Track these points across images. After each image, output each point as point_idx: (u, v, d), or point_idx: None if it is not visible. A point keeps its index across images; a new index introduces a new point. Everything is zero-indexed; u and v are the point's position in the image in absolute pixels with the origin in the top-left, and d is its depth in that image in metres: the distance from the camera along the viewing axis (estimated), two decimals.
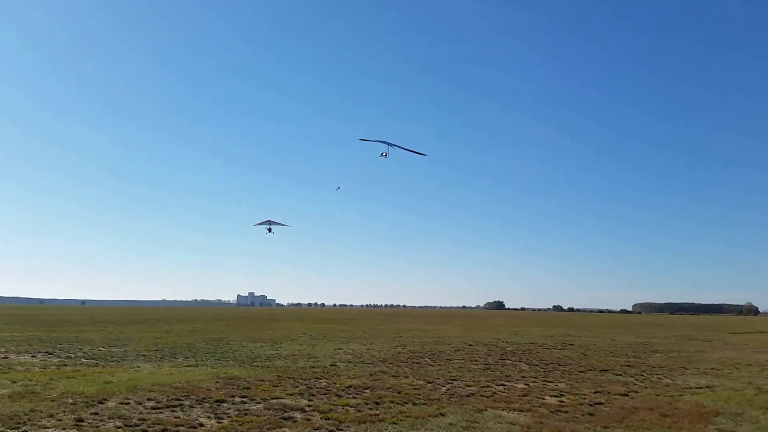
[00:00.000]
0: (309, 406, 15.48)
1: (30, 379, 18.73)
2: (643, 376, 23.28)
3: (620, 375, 23.33)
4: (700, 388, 20.30)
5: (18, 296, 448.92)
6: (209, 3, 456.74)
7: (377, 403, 15.83)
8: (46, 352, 27.89)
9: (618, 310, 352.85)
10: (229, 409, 14.98)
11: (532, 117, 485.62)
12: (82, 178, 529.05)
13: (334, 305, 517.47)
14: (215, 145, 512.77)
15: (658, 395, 18.46)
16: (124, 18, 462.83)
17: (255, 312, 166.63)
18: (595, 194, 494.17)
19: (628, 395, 18.26)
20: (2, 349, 28.81)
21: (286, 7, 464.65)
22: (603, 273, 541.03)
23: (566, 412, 15.35)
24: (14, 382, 18.11)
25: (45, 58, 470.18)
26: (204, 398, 16.20)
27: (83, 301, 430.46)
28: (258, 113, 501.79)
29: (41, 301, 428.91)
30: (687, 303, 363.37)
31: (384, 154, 42.34)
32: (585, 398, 17.47)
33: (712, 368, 26.49)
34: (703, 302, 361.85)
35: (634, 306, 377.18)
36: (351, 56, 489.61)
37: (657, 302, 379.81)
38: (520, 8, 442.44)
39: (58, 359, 25.18)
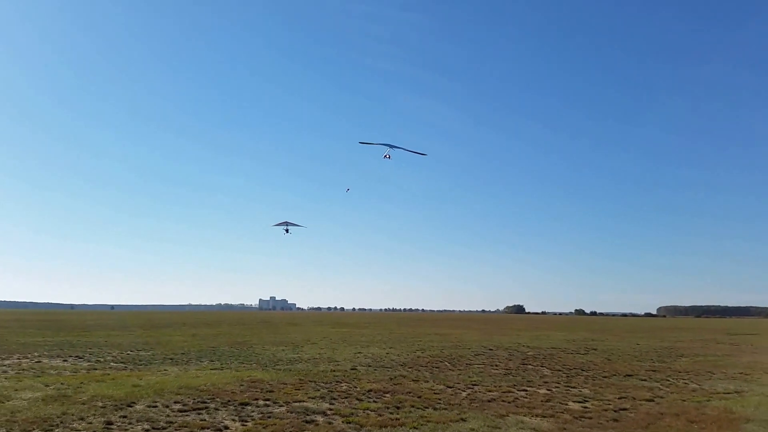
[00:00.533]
0: (330, 409, 15.66)
1: (62, 383, 19.20)
2: (668, 381, 23.02)
3: (645, 380, 23.10)
4: (729, 393, 20.00)
5: (50, 302, 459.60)
6: (229, 7, 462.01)
7: (398, 408, 15.94)
8: (77, 356, 28.52)
9: (642, 313, 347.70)
10: (253, 412, 15.23)
11: (553, 120, 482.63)
12: (111, 185, 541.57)
13: (354, 309, 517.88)
14: (240, 151, 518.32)
15: (684, 401, 18.26)
16: (146, 21, 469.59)
17: (276, 316, 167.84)
18: (619, 196, 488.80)
19: (653, 401, 18.09)
20: (35, 354, 29.51)
21: (307, 10, 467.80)
22: (626, 276, 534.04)
23: (590, 418, 15.27)
24: (47, 386, 18.59)
25: (70, 62, 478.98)
26: (229, 401, 16.48)
27: (112, 306, 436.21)
28: (280, 116, 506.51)
29: (72, 306, 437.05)
30: (713, 306, 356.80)
31: (387, 156, 43.05)
32: (609, 404, 17.34)
33: (741, 373, 26.08)
34: (729, 305, 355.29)
35: (659, 309, 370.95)
36: (371, 61, 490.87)
37: (682, 305, 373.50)
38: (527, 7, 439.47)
39: (88, 363, 25.73)
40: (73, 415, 14.27)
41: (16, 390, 17.71)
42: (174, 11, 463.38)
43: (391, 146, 43.12)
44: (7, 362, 25.38)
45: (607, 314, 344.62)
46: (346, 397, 17.51)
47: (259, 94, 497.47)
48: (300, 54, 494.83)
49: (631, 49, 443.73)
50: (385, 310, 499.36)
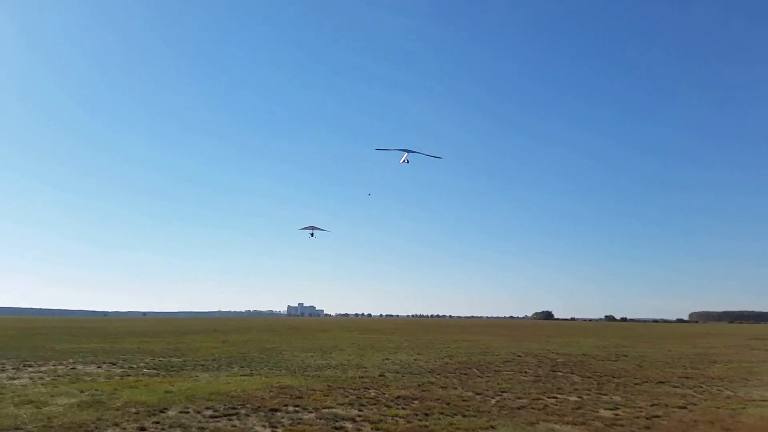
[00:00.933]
0: (359, 416, 15.73)
1: (96, 389, 19.64)
2: (702, 387, 22.58)
3: (678, 387, 22.69)
4: (765, 400, 19.55)
5: (84, 309, 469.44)
6: (256, 11, 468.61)
7: (426, 414, 15.94)
8: (111, 363, 29.11)
9: (674, 319, 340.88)
10: (282, 418, 15.40)
11: (583, 122, 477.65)
12: (143, 193, 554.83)
13: (381, 315, 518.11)
14: (269, 157, 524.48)
15: (718, 408, 17.90)
16: (176, 28, 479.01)
17: (304, 322, 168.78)
18: (650, 199, 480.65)
19: (686, 408, 17.76)
20: (70, 360, 30.20)
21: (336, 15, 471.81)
22: (657, 281, 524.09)
23: (622, 425, 15.07)
24: (82, 392, 19.04)
25: (104, 71, 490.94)
26: (259, 407, 16.69)
27: (144, 313, 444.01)
28: (310, 122, 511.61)
29: (105, 313, 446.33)
30: (747, 311, 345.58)
31: (405, 160, 43.86)
32: (641, 411, 17.08)
33: None
34: (763, 310, 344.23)
35: (691, 315, 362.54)
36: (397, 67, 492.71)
37: (715, 311, 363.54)
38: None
39: (122, 369, 26.26)
40: (107, 420, 14.59)
41: (52, 396, 18.16)
42: (201, 17, 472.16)
43: (408, 151, 43.85)
44: (43, 369, 26.03)
45: (638, 320, 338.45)
46: (374, 404, 17.57)
47: (287, 100, 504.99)
48: (327, 61, 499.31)
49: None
50: (413, 316, 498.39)
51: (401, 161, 43.67)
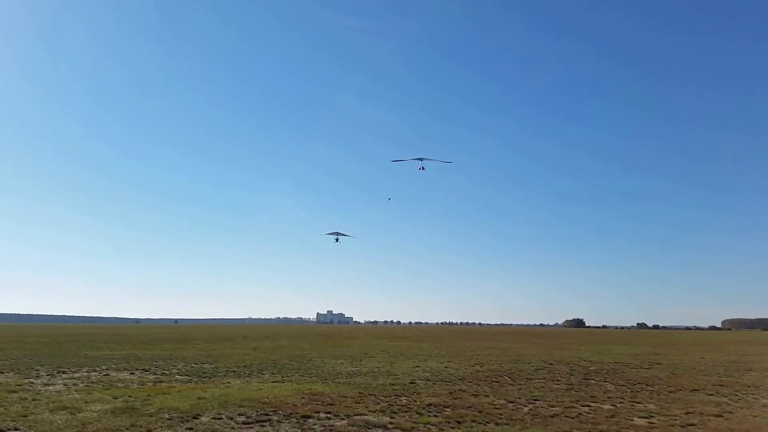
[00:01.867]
0: (391, 423, 15.71)
1: (129, 395, 19.96)
2: (737, 396, 22.04)
3: (713, 395, 22.19)
4: None
5: (116, 316, 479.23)
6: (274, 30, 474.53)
7: (459, 422, 15.87)
8: (144, 369, 29.59)
9: (706, 326, 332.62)
10: (314, 424, 15.46)
11: (610, 127, 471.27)
12: (175, 203, 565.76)
13: (410, 323, 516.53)
14: (298, 166, 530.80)
15: (755, 416, 17.47)
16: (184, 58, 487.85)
17: (334, 329, 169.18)
18: (680, 205, 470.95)
19: (722, 416, 17.37)
20: (103, 367, 30.81)
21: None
22: (689, 288, 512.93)
23: None
24: (115, 398, 19.35)
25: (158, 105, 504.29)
26: (291, 414, 16.80)
27: (176, 320, 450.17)
28: (337, 128, 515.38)
29: (137, 320, 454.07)
30: None
31: (421, 167, 46.27)
32: (676, 419, 16.76)
33: None
34: None
35: (724, 322, 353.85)
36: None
37: (748, 318, 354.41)
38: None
39: (154, 376, 26.67)
40: (141, 427, 14.74)
41: (87, 402, 18.45)
42: (213, 43, 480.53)
43: (421, 159, 45.82)
44: (77, 375, 26.58)
45: (670, 327, 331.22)
46: (406, 411, 17.55)
47: (320, 108, 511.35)
48: (358, 68, 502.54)
49: None
50: (442, 323, 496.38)
51: (418, 169, 45.56)
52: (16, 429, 14.46)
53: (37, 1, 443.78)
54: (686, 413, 17.83)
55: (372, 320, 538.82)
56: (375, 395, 20.74)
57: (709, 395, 22.11)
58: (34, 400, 18.79)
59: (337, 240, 66.74)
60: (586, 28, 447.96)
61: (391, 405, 18.63)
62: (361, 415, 16.85)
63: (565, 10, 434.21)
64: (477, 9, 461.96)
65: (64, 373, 27.50)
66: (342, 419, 16.20)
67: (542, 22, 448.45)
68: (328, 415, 16.79)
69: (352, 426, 15.30)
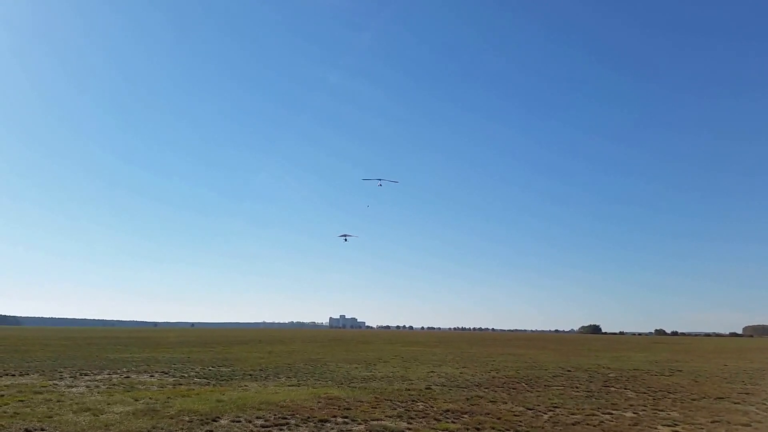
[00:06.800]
0: (409, 428, 15.57)
1: (150, 398, 20.03)
2: (764, 404, 21.58)
3: (738, 403, 21.74)
4: None
5: (135, 320, 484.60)
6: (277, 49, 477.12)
7: (478, 429, 15.67)
8: (163, 372, 29.75)
9: (726, 333, 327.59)
10: (332, 429, 15.36)
11: (629, 135, 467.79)
12: (191, 210, 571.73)
13: (422, 328, 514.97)
14: (313, 172, 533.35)
15: None
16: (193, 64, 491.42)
17: (347, 334, 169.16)
18: (698, 211, 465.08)
19: (750, 425, 16.98)
20: (124, 369, 31.02)
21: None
22: (708, 294, 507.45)
23: None
24: (136, 400, 19.44)
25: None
26: (308, 417, 16.72)
27: (193, 324, 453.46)
28: (353, 135, 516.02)
29: (155, 323, 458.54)
30: None
31: (380, 184, 67.87)
32: (702, 428, 16.43)
33: None
34: None
35: (745, 329, 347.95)
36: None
37: None
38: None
39: (174, 378, 26.78)
40: (162, 429, 14.79)
41: (108, 404, 18.58)
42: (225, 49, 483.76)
43: (380, 180, 67.43)
44: (98, 377, 26.78)
45: (690, 334, 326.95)
46: (423, 417, 17.37)
47: (333, 116, 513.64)
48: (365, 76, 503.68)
49: None
50: (455, 329, 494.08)
51: (378, 185, 66.84)
52: (42, 429, 14.60)
53: (40, 3, 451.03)
54: (712, 422, 17.46)
55: (384, 325, 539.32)
56: (391, 400, 20.59)
57: (734, 404, 21.66)
58: (58, 401, 18.95)
59: (345, 240, 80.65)
60: (578, 30, 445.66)
61: (408, 410, 18.46)
62: (378, 420, 16.71)
63: (557, 10, 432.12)
64: (471, 11, 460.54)
65: (86, 375, 27.75)
66: (359, 424, 16.08)
67: (534, 23, 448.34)
68: (345, 419, 16.68)
69: (370, 431, 15.18)
